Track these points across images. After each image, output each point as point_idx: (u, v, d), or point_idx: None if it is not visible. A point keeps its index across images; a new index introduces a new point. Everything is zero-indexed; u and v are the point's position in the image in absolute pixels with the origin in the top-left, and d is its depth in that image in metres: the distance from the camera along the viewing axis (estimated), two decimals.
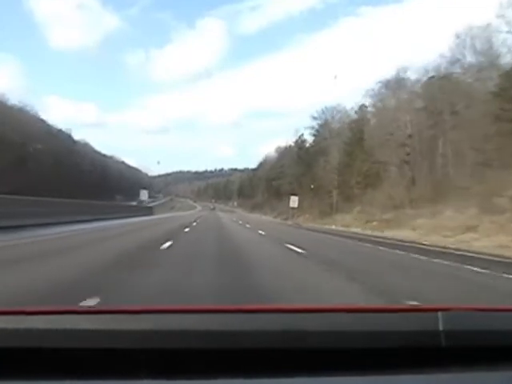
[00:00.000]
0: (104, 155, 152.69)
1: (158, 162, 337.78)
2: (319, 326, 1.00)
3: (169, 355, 0.94)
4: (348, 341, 0.99)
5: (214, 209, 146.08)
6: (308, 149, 59.87)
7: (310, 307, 1.12)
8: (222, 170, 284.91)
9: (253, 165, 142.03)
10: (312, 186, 47.68)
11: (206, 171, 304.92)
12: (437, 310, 1.02)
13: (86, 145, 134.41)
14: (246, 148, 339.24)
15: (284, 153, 72.44)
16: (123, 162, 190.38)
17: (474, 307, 1.11)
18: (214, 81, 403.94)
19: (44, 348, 0.93)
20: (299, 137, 65.88)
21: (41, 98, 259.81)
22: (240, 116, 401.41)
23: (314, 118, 57.41)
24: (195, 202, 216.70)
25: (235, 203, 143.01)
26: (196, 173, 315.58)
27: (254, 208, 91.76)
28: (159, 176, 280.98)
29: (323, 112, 56.04)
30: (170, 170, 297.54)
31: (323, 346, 0.97)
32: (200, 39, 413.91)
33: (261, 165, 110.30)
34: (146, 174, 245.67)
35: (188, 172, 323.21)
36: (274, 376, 0.92)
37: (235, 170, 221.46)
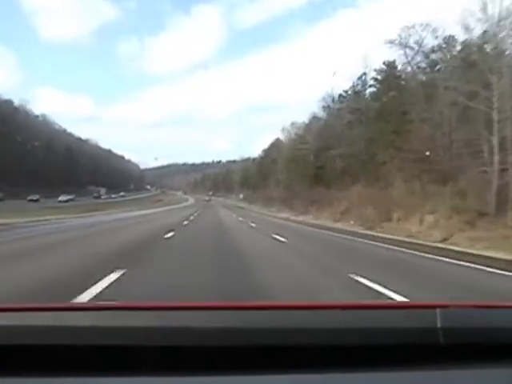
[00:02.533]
0: (80, 139, 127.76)
1: (156, 158, 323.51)
2: (316, 323, 0.99)
3: (169, 352, 0.93)
4: (345, 338, 0.97)
5: (209, 200, 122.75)
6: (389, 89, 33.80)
7: (308, 304, 1.11)
8: (219, 162, 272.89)
9: (253, 156, 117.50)
10: (427, 153, 22.68)
11: (203, 163, 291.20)
12: (435, 307, 1.01)
13: (53, 124, 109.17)
14: (244, 142, 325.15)
15: (328, 111, 45.94)
16: (110, 151, 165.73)
17: (473, 304, 1.10)
18: (211, 73, 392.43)
19: (45, 345, 0.92)
20: (361, 76, 40.19)
21: (35, 91, 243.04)
22: (238, 109, 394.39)
23: (391, 42, 32.07)
24: (185, 193, 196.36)
25: (241, 196, 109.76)
26: (193, 165, 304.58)
27: (269, 202, 66.10)
28: (154, 168, 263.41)
29: (407, 34, 30.78)
30: (165, 163, 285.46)
31: (320, 343, 0.96)
32: (197, 31, 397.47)
33: (272, 146, 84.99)
34: (137, 165, 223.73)
35: (184, 164, 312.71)
36: (274, 373, 0.92)
37: (233, 162, 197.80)
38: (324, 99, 46.06)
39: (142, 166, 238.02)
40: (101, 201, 77.30)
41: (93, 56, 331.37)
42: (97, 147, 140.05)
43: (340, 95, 43.69)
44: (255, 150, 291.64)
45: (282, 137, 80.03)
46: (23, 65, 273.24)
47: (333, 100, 44.33)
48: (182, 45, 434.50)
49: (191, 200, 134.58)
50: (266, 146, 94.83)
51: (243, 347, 0.94)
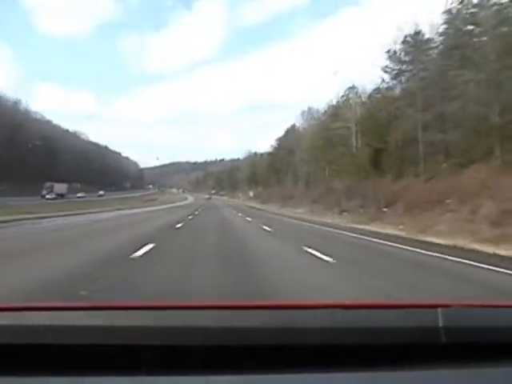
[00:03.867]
0: (67, 131, 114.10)
1: (158, 158, 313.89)
2: (318, 323, 0.99)
3: (169, 351, 0.94)
4: (346, 337, 0.97)
5: (209, 199, 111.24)
6: None
7: (309, 304, 1.11)
8: (222, 160, 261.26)
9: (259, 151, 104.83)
10: None
11: (205, 162, 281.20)
12: (436, 307, 1.00)
13: (32, 113, 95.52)
14: (248, 140, 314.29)
15: (396, 62, 30.47)
16: (106, 147, 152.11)
17: (474, 303, 1.10)
18: (212, 71, 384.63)
19: (44, 344, 0.92)
20: None
21: (36, 88, 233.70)
22: (241, 107, 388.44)
23: None
24: (184, 191, 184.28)
25: (251, 193, 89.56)
26: (195, 163, 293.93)
27: (288, 200, 52.12)
28: (156, 167, 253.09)
29: None
30: (167, 162, 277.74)
31: (321, 342, 0.96)
32: (199, 28, 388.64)
33: (288, 133, 71.18)
34: (136, 163, 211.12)
35: (187, 163, 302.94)
36: (274, 372, 0.92)
37: (237, 160, 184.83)
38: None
39: (144, 165, 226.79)
40: (49, 201, 54.82)
41: (94, 53, 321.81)
42: (87, 142, 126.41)
43: (418, 32, 28.96)
44: (260, 145, 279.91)
45: (299, 123, 66.15)
46: (21, 61, 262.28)
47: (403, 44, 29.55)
48: (183, 42, 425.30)
49: (190, 199, 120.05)
50: (277, 136, 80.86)
51: (243, 347, 0.93)
